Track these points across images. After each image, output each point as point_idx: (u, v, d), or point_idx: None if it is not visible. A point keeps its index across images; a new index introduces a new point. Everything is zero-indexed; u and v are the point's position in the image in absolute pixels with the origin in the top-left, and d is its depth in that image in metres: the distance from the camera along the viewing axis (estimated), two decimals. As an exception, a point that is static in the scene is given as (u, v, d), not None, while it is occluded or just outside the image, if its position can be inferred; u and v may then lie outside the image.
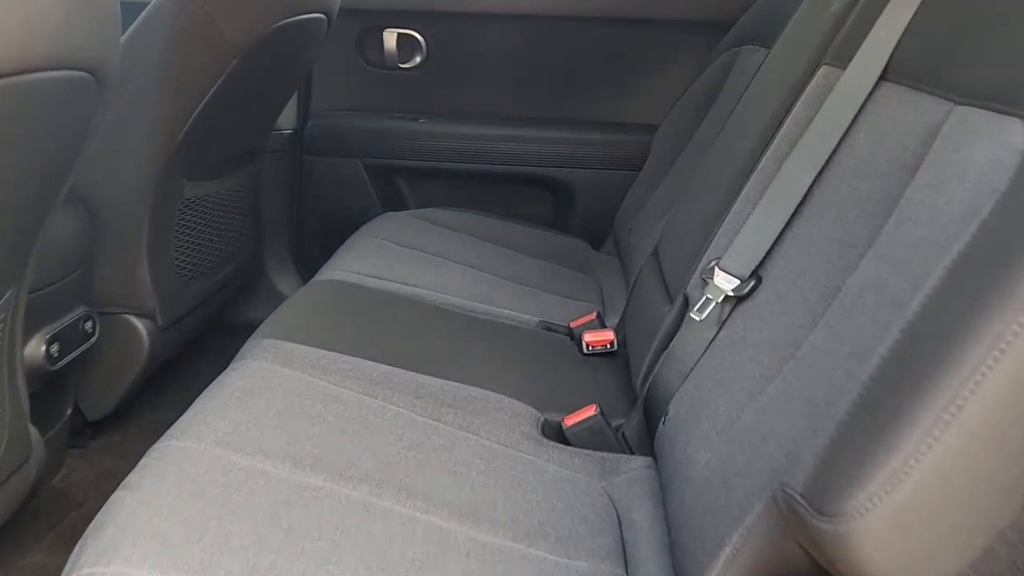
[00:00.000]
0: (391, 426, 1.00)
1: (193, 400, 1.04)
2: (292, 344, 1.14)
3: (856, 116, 0.89)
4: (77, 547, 0.74)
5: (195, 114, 1.37)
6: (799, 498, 0.55)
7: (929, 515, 0.48)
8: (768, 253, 0.94)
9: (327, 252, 2.10)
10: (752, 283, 0.94)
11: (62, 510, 1.39)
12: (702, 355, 0.98)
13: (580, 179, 2.00)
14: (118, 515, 0.77)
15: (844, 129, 0.89)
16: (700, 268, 1.05)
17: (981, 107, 0.67)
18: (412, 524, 0.83)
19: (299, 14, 1.46)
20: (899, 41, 0.87)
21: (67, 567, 0.72)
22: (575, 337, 1.37)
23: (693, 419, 0.92)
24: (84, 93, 0.93)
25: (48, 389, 1.32)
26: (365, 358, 1.14)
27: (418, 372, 1.14)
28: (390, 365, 1.14)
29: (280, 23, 1.41)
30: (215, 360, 2.07)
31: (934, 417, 0.48)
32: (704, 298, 0.99)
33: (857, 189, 0.83)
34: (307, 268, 2.12)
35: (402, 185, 2.08)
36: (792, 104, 1.01)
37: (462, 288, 1.49)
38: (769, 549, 0.60)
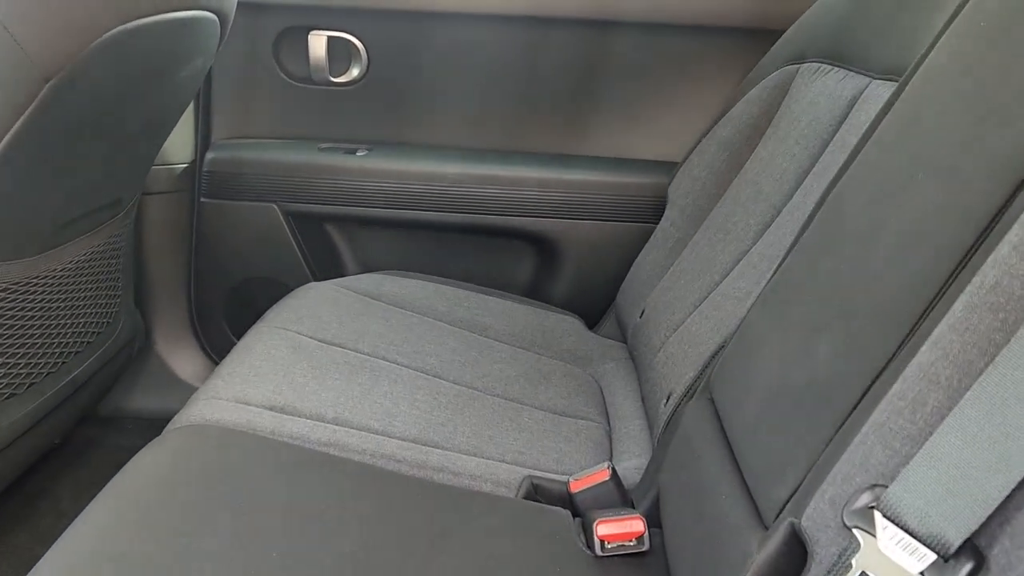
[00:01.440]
0: None
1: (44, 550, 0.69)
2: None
3: None
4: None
5: (-15, 167, 0.87)
6: None
7: None
8: (1001, 508, 0.47)
9: (236, 323, 1.62)
10: (968, 567, 0.47)
11: None
12: None
13: (571, 233, 1.52)
14: None
15: None
16: (830, 492, 0.57)
17: None
18: None
19: (161, 12, 0.97)
20: None
21: None
22: (580, 512, 0.89)
23: None
24: None
25: None
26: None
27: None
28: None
29: (124, 27, 0.92)
30: (79, 475, 1.58)
31: None
32: (857, 573, 0.52)
33: None
34: (210, 342, 1.63)
35: (335, 238, 1.58)
36: (1012, 199, 0.54)
37: (409, 420, 1.01)
38: None
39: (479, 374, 1.18)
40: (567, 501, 0.93)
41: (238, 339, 1.19)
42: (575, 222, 1.51)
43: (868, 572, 0.51)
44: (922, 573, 0.48)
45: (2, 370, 1.06)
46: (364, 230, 1.57)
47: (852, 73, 1.07)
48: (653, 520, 0.88)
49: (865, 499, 0.53)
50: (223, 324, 1.61)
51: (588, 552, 0.83)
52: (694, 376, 0.96)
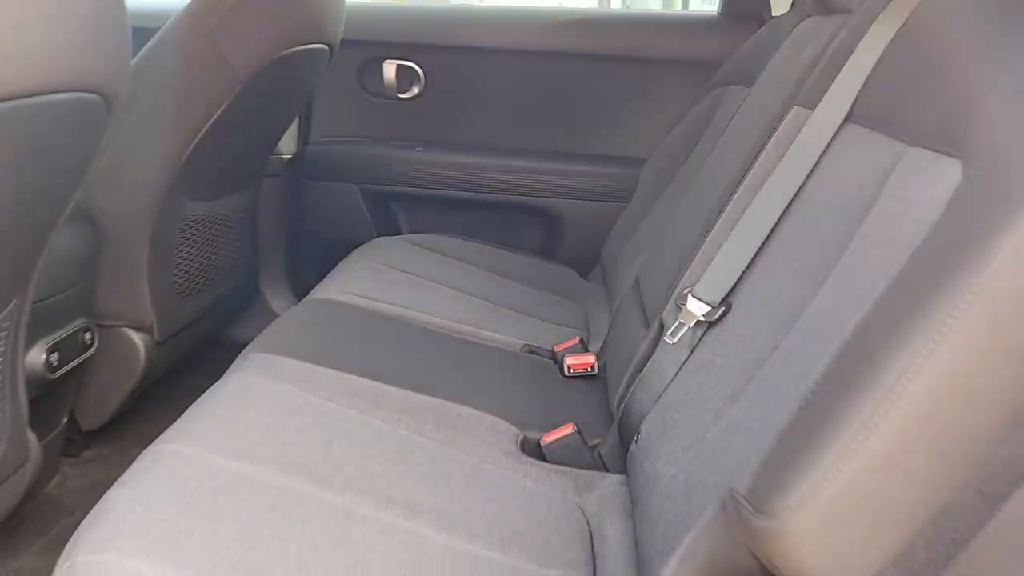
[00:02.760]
0: (375, 439, 1.05)
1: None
2: (282, 359, 1.18)
3: (822, 155, 0.95)
4: (72, 538, 0.78)
5: (199, 137, 1.43)
6: (743, 499, 0.60)
7: (854, 514, 0.53)
8: (738, 282, 1.00)
9: (321, 274, 2.15)
10: (722, 310, 0.99)
11: (54, 516, 1.43)
12: (674, 377, 1.03)
13: (570, 209, 2.05)
14: (112, 511, 0.81)
15: (811, 167, 0.95)
16: (675, 295, 1.10)
17: (929, 149, 0.73)
18: (391, 531, 0.87)
19: (303, 44, 1.53)
20: (864, 85, 0.92)
21: (62, 557, 0.76)
22: (558, 360, 1.41)
23: (663, 438, 0.96)
24: (93, 114, 0.98)
25: (45, 397, 1.36)
26: (353, 373, 1.18)
27: (404, 388, 1.18)
28: (377, 381, 1.18)
29: (284, 52, 1.47)
30: (208, 376, 2.11)
31: (858, 426, 0.53)
32: (677, 323, 1.04)
33: (819, 225, 0.89)
34: (301, 289, 2.17)
35: (397, 211, 2.13)
36: (765, 143, 1.07)
37: (450, 311, 1.54)
38: (719, 550, 0.64)
39: (497, 296, 1.69)
40: (550, 356, 1.45)
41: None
42: (573, 201, 2.04)
43: (682, 321, 1.04)
44: (703, 315, 1.01)
45: (187, 275, 1.62)
46: (418, 205, 2.12)
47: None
48: (604, 368, 1.40)
49: (687, 291, 1.06)
50: (310, 274, 2.15)
51: (560, 375, 1.36)
52: (634, 276, 1.48)
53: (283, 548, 0.80)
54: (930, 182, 0.69)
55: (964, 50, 0.74)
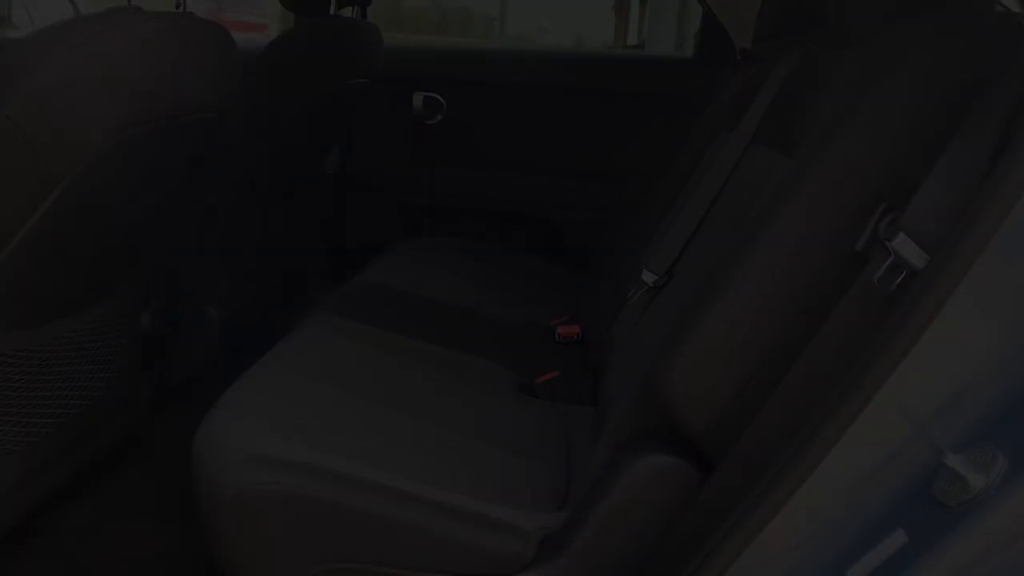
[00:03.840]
0: (408, 375, 1.40)
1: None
2: (338, 319, 1.55)
3: (735, 166, 1.31)
4: (207, 416, 1.14)
5: (274, 149, 1.81)
6: (652, 369, 0.95)
7: (709, 368, 0.88)
8: (678, 257, 1.35)
9: (358, 266, 2.53)
10: (666, 279, 1.35)
11: (151, 449, 1.79)
12: (631, 330, 1.39)
13: (567, 218, 2.43)
14: (232, 401, 1.17)
15: (726, 177, 1.31)
16: (634, 273, 1.46)
17: (791, 157, 1.09)
18: (423, 430, 1.22)
19: (359, 79, 1.91)
20: (764, 115, 1.29)
21: (203, 423, 1.12)
22: (551, 331, 1.77)
23: (620, 373, 1.32)
24: (210, 129, 1.35)
25: (145, 357, 1.72)
26: (389, 330, 1.54)
27: (429, 343, 1.54)
28: (408, 336, 1.54)
29: (342, 84, 1.85)
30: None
31: (711, 317, 0.88)
32: (635, 290, 1.40)
33: (730, 213, 1.25)
34: (341, 283, 2.53)
35: (422, 218, 2.51)
36: (700, 159, 1.43)
37: (466, 294, 1.89)
38: (640, 411, 1.00)
39: (505, 286, 2.05)
40: (546, 329, 1.80)
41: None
42: (569, 211, 2.41)
43: (639, 288, 1.39)
44: (653, 283, 1.36)
45: (250, 265, 1.99)
46: (440, 213, 2.49)
47: (714, 120, 1.95)
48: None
49: (643, 267, 1.41)
50: (350, 271, 2.52)
51: (554, 342, 1.71)
52: (613, 267, 1.84)
53: (348, 429, 1.16)
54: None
55: (820, 86, 1.10)
